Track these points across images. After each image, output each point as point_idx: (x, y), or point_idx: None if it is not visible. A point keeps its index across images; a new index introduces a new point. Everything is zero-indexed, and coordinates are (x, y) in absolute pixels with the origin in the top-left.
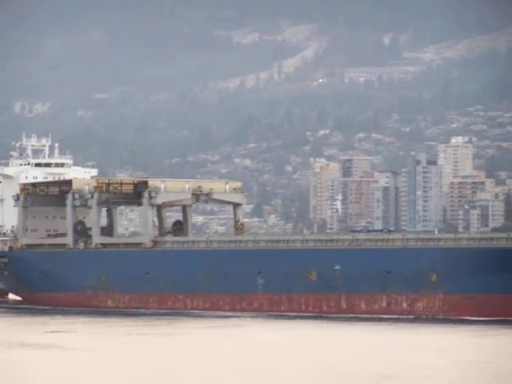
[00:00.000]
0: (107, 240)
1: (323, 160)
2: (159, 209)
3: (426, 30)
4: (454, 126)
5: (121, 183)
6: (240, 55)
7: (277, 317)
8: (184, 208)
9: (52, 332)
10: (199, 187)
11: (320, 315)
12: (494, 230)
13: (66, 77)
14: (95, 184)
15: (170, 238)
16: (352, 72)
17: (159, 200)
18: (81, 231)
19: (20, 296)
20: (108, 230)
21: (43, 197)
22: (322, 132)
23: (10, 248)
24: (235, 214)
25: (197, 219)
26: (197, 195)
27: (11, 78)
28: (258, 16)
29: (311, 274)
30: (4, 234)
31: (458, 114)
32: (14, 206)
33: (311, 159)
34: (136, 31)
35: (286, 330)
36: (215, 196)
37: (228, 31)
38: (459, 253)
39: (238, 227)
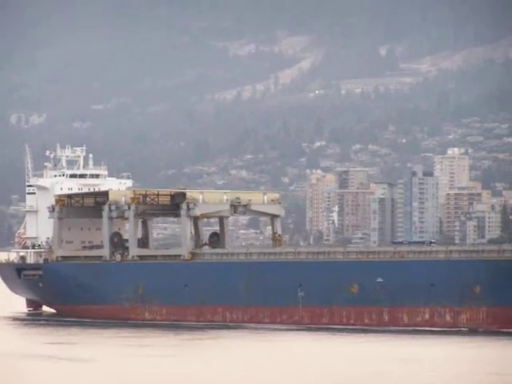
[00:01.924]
0: (144, 252)
1: (319, 171)
2: (195, 220)
3: (422, 40)
4: (451, 137)
5: (157, 194)
6: (236, 66)
7: (317, 330)
8: (221, 219)
9: (59, 343)
10: (237, 198)
11: (361, 328)
12: (491, 241)
13: (62, 88)
14: (132, 195)
15: (208, 249)
16: (348, 83)
17: (197, 211)
18: (117, 243)
19: (54, 308)
20: (143, 242)
21: (78, 208)
22: (318, 143)
23: (45, 260)
24: (273, 226)
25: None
26: (235, 206)
27: (7, 89)
28: (254, 27)
29: (353, 287)
30: (39, 245)
31: (455, 125)
32: (49, 218)
33: (307, 171)
34: (132, 43)
35: (319, 342)
36: (253, 207)
37: (224, 42)
38: (503, 265)
39: (276, 239)
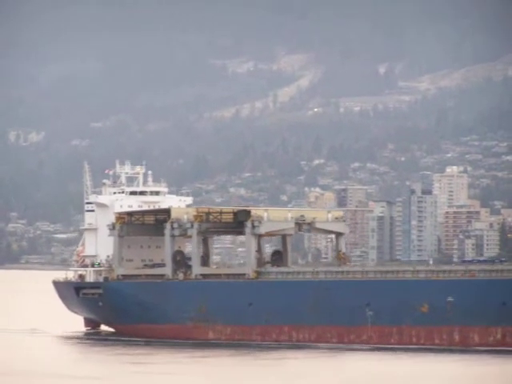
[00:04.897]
0: (208, 270)
1: (318, 189)
2: (258, 238)
3: (421, 59)
4: (449, 155)
5: (220, 212)
6: (235, 84)
7: (386, 349)
8: (284, 237)
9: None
10: (302, 216)
11: (431, 348)
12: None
13: (60, 105)
14: (195, 213)
15: (273, 268)
16: (347, 101)
17: (262, 229)
18: (180, 261)
19: (114, 328)
20: (204, 260)
21: (139, 226)
22: (316, 161)
23: (105, 278)
24: (337, 244)
25: None
26: (299, 224)
27: (6, 106)
28: (253, 44)
29: (423, 306)
30: (98, 264)
31: (453, 143)
32: (109, 236)
33: (306, 188)
34: (131, 60)
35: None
36: (318, 225)
37: (223, 60)
38: None
39: (341, 257)
